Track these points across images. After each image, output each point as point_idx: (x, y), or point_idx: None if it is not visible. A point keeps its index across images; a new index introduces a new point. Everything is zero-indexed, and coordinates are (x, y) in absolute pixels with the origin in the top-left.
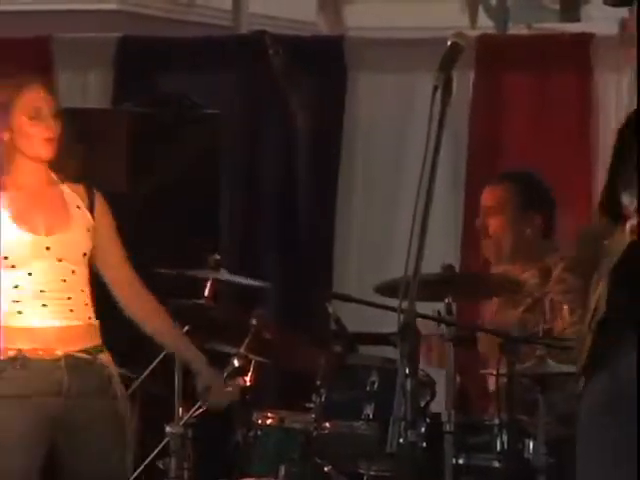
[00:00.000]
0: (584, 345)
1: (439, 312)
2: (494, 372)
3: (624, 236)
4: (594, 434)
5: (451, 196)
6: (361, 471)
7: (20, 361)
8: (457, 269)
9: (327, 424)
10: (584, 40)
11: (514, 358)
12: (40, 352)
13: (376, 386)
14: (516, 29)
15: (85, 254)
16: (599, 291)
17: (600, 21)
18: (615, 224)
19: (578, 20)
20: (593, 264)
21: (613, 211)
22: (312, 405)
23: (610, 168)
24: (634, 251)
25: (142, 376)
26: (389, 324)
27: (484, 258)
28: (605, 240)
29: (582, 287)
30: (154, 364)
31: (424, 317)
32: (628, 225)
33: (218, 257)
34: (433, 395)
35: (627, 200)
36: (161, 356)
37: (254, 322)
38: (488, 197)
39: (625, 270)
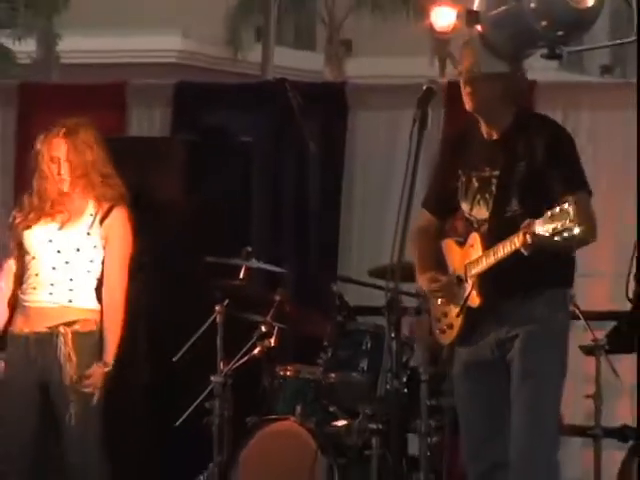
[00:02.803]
0: (454, 325)
1: (417, 291)
2: None
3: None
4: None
5: None
6: (358, 410)
7: None
8: None
9: (332, 375)
10: (529, 85)
11: None
12: None
13: (369, 346)
14: None
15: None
16: (470, 287)
17: (540, 70)
18: (442, 221)
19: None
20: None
21: (443, 211)
22: (321, 361)
23: (441, 179)
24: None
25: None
26: (380, 299)
27: None
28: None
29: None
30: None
31: (406, 294)
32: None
33: (250, 249)
34: (412, 353)
35: (466, 206)
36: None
37: (277, 298)
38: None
39: (493, 273)
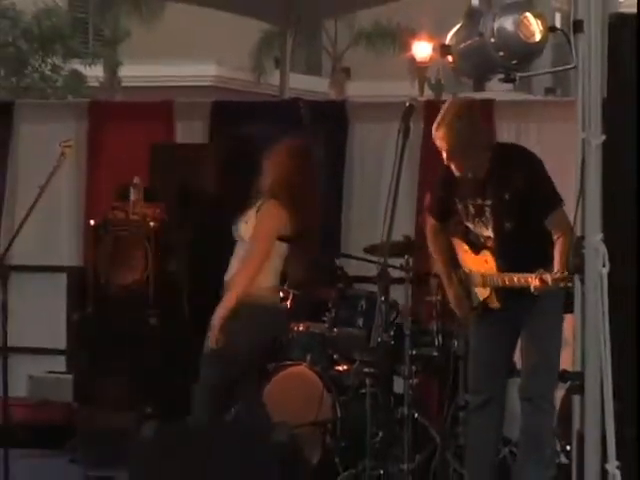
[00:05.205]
0: (477, 308)
1: (401, 264)
2: (434, 299)
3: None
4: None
5: (409, 195)
6: (355, 358)
7: None
8: (412, 238)
9: (335, 330)
10: (489, 103)
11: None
12: None
13: (364, 307)
14: (447, 96)
15: None
16: (489, 293)
17: (497, 91)
18: (442, 223)
19: (484, 90)
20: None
21: (443, 215)
22: (326, 319)
23: (443, 188)
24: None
25: None
26: (373, 271)
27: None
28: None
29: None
30: None
31: (393, 267)
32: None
33: None
34: (398, 313)
35: (470, 225)
36: None
37: None
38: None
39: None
